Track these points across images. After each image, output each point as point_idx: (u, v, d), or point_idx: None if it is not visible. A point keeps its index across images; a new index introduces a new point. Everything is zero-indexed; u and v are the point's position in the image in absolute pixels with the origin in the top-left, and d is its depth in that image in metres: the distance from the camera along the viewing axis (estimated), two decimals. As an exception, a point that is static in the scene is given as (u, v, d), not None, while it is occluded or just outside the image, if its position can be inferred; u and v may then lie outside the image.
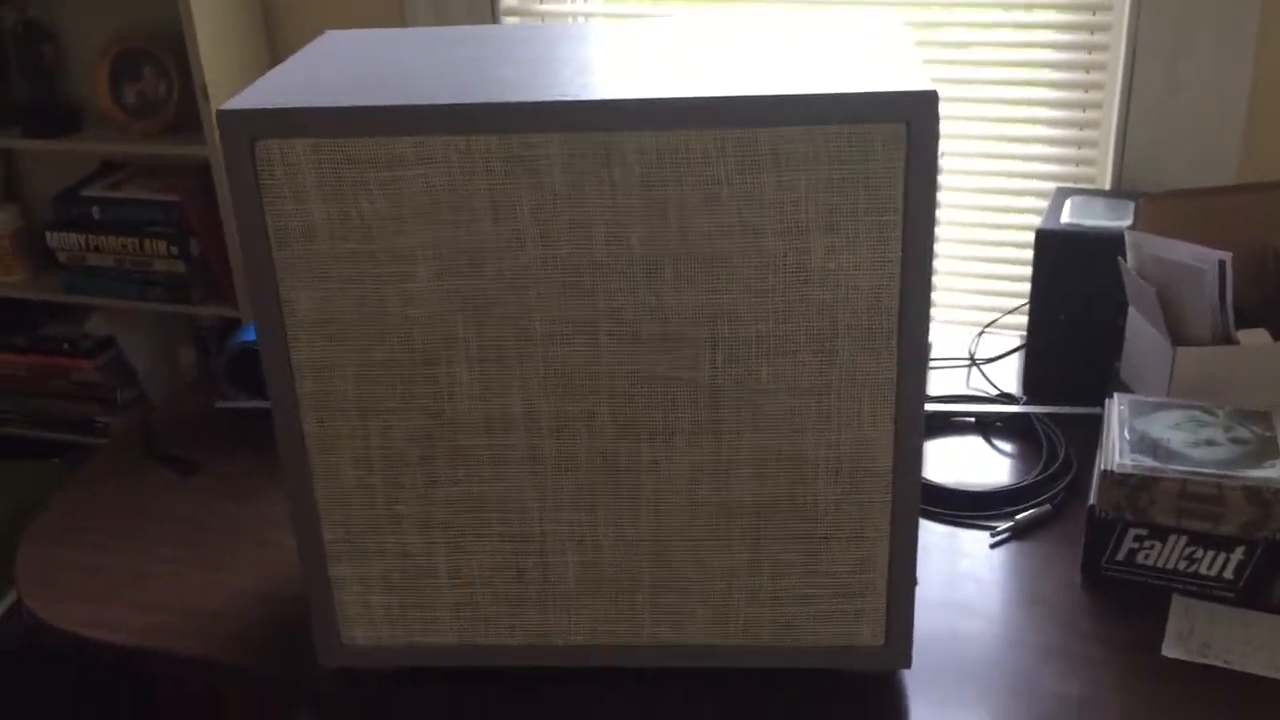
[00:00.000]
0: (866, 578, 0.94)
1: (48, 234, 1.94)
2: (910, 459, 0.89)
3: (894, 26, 0.98)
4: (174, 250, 1.88)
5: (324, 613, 0.98)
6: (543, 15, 1.79)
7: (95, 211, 1.91)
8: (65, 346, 2.04)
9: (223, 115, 0.82)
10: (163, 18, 1.86)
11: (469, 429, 0.90)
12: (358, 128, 0.81)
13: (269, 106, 0.81)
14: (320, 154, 0.82)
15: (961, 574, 1.12)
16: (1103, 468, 1.06)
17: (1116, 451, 1.07)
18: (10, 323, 2.09)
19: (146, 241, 1.89)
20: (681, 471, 0.91)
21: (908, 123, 0.79)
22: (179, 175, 1.94)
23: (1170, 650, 1.01)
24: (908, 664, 0.97)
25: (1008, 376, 1.48)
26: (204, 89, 1.74)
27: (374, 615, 0.98)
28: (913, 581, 0.94)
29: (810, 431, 0.89)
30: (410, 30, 1.03)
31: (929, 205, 0.81)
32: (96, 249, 1.92)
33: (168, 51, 1.85)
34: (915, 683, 0.99)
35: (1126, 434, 1.09)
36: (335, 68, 0.91)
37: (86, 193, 1.93)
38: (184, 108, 1.86)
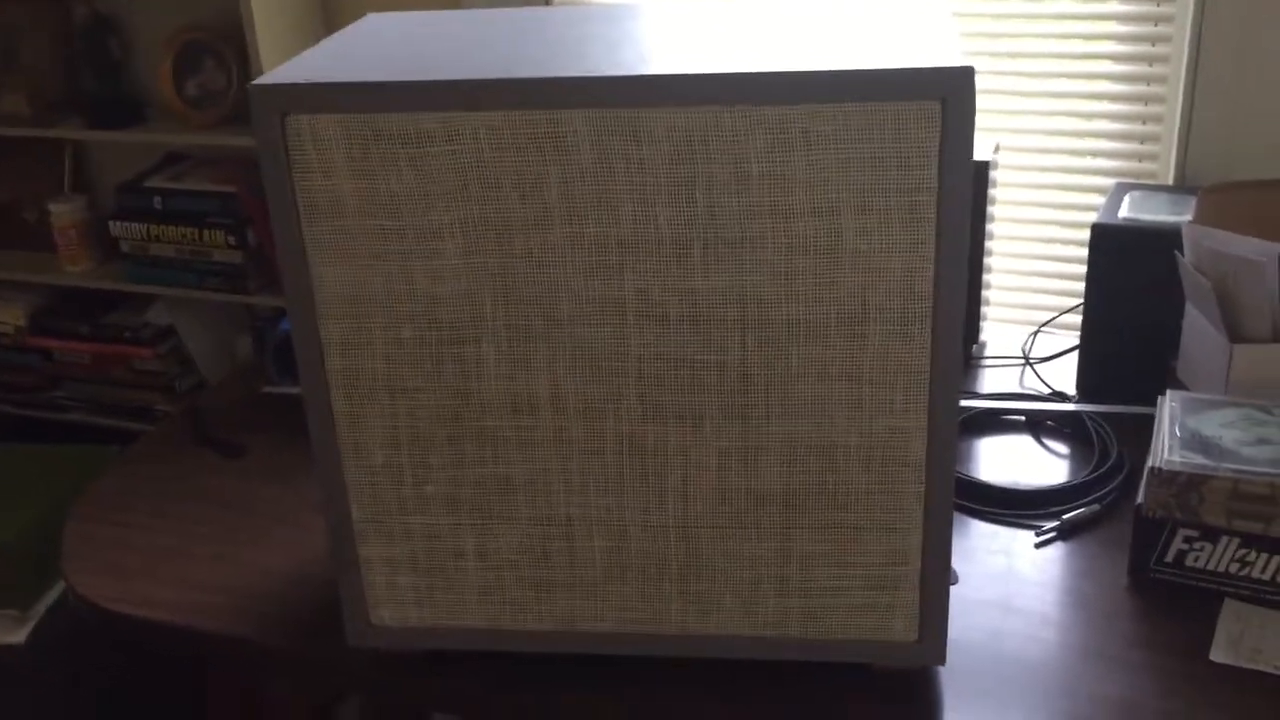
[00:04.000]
0: (899, 570, 0.92)
1: (111, 224, 1.97)
2: (944, 449, 0.87)
3: (933, 4, 0.95)
4: (231, 240, 1.90)
5: (352, 593, 0.98)
6: None
7: (157, 202, 1.95)
8: (127, 335, 2.07)
9: (254, 90, 0.82)
10: (224, 10, 1.89)
11: (496, 410, 0.90)
12: (387, 103, 0.81)
13: (300, 81, 0.82)
14: (350, 129, 0.82)
15: (1005, 573, 1.10)
16: (1151, 465, 1.02)
17: (1166, 449, 1.03)
18: (76, 311, 2.14)
19: (206, 232, 1.92)
20: (709, 456, 0.90)
21: (942, 100, 0.77)
22: (237, 166, 1.97)
23: (1218, 655, 0.97)
24: (942, 660, 0.94)
25: (1065, 377, 1.44)
26: (262, 80, 1.76)
27: (402, 596, 0.98)
28: (947, 575, 0.91)
29: (841, 418, 0.87)
30: (450, 13, 1.03)
31: (964, 185, 0.79)
32: (158, 239, 1.95)
33: (228, 44, 1.88)
34: (951, 680, 0.97)
35: (1178, 431, 1.06)
36: (370, 47, 0.91)
37: (149, 183, 1.96)
38: (243, 99, 1.88)
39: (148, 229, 1.95)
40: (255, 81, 0.82)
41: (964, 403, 1.37)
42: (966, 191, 0.79)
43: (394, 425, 0.91)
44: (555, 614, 0.97)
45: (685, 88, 0.78)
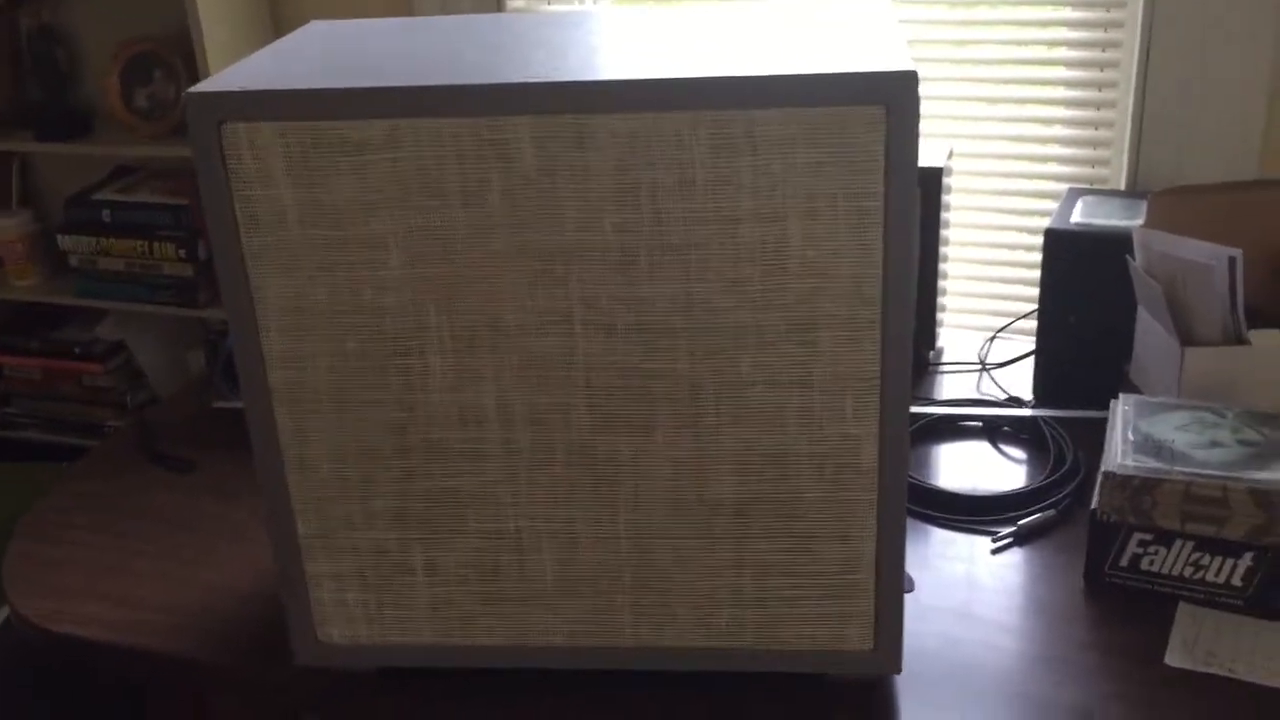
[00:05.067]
0: (853, 579, 0.91)
1: (59, 237, 1.94)
2: (896, 456, 0.86)
3: (878, 8, 0.95)
4: (182, 253, 1.87)
5: (300, 610, 0.96)
6: None
7: (106, 215, 1.91)
8: (76, 350, 2.04)
9: (190, 97, 0.80)
10: (172, 21, 1.86)
11: (442, 421, 0.88)
12: (325, 110, 0.80)
13: (236, 89, 0.80)
14: (288, 138, 0.81)
15: (961, 580, 1.09)
16: (1104, 469, 1.02)
17: (1119, 453, 1.03)
18: (24, 326, 2.10)
19: (156, 245, 1.89)
20: (661, 467, 0.88)
21: (886, 105, 0.76)
22: (188, 178, 1.94)
23: (1173, 659, 0.97)
24: (898, 669, 0.94)
25: (1022, 382, 1.44)
26: (211, 91, 1.74)
27: (351, 613, 0.96)
28: (902, 583, 0.91)
29: (792, 426, 0.86)
30: (394, 20, 1.02)
31: (910, 190, 0.78)
32: (107, 252, 1.92)
33: (177, 55, 1.86)
34: (906, 689, 0.96)
35: (1130, 435, 1.06)
36: (311, 54, 0.89)
37: (97, 196, 1.93)
38: (194, 111, 1.85)
39: (97, 242, 1.92)
40: (191, 89, 0.81)
41: (920, 409, 1.36)
42: (913, 196, 0.79)
43: (339, 439, 0.90)
44: (507, 628, 0.95)
45: (628, 93, 0.77)
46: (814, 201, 0.79)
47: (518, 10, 1.78)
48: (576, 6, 1.78)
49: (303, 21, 1.87)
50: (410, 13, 1.80)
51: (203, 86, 0.81)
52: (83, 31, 1.98)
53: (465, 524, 0.92)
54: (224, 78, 0.83)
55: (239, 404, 1.41)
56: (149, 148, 1.86)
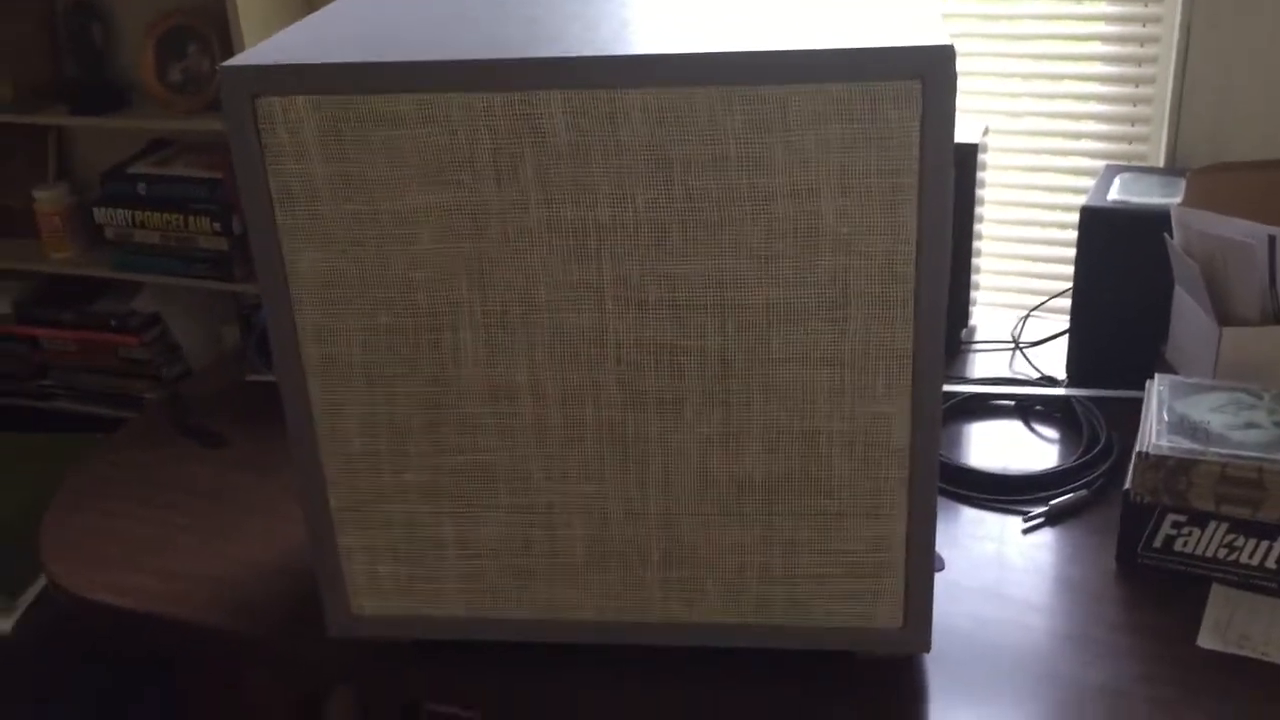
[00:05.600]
0: (883, 557, 0.91)
1: (95, 210, 1.96)
2: (928, 435, 0.86)
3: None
4: (217, 227, 1.89)
5: (333, 583, 0.97)
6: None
7: (141, 188, 1.93)
8: (113, 323, 2.06)
9: (224, 71, 0.81)
10: (207, -5, 1.87)
11: (474, 396, 0.89)
12: (359, 84, 0.80)
13: (270, 63, 0.80)
14: (321, 111, 0.81)
15: (991, 559, 1.09)
16: (1138, 450, 1.01)
17: (1154, 434, 1.02)
18: (61, 299, 2.12)
19: (191, 218, 1.90)
20: (691, 443, 0.88)
21: (922, 79, 0.75)
22: (223, 152, 1.95)
23: (1205, 641, 0.96)
24: (927, 647, 0.93)
25: (1055, 361, 1.43)
26: (246, 65, 1.74)
27: (382, 586, 0.97)
28: (932, 561, 0.90)
29: (823, 404, 0.86)
30: (428, -6, 1.01)
31: (945, 166, 0.78)
32: (143, 225, 1.94)
33: (211, 29, 1.86)
34: (935, 667, 0.96)
35: (1165, 415, 1.05)
36: (346, 27, 0.89)
37: (133, 170, 1.95)
38: (228, 85, 1.86)
39: (132, 215, 1.93)
40: (225, 63, 0.81)
41: (952, 387, 1.36)
42: (948, 173, 0.78)
43: (371, 413, 0.90)
44: (537, 602, 0.96)
45: (660, 68, 0.77)
46: (847, 178, 0.79)
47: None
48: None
49: (336, -4, 1.87)
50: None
51: (236, 61, 0.81)
52: (118, 6, 1.99)
53: (496, 498, 0.92)
54: (258, 52, 0.84)
55: (272, 378, 1.42)
56: (184, 121, 1.87)
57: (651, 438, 0.88)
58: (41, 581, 1.79)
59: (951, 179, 0.78)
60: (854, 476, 0.88)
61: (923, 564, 0.90)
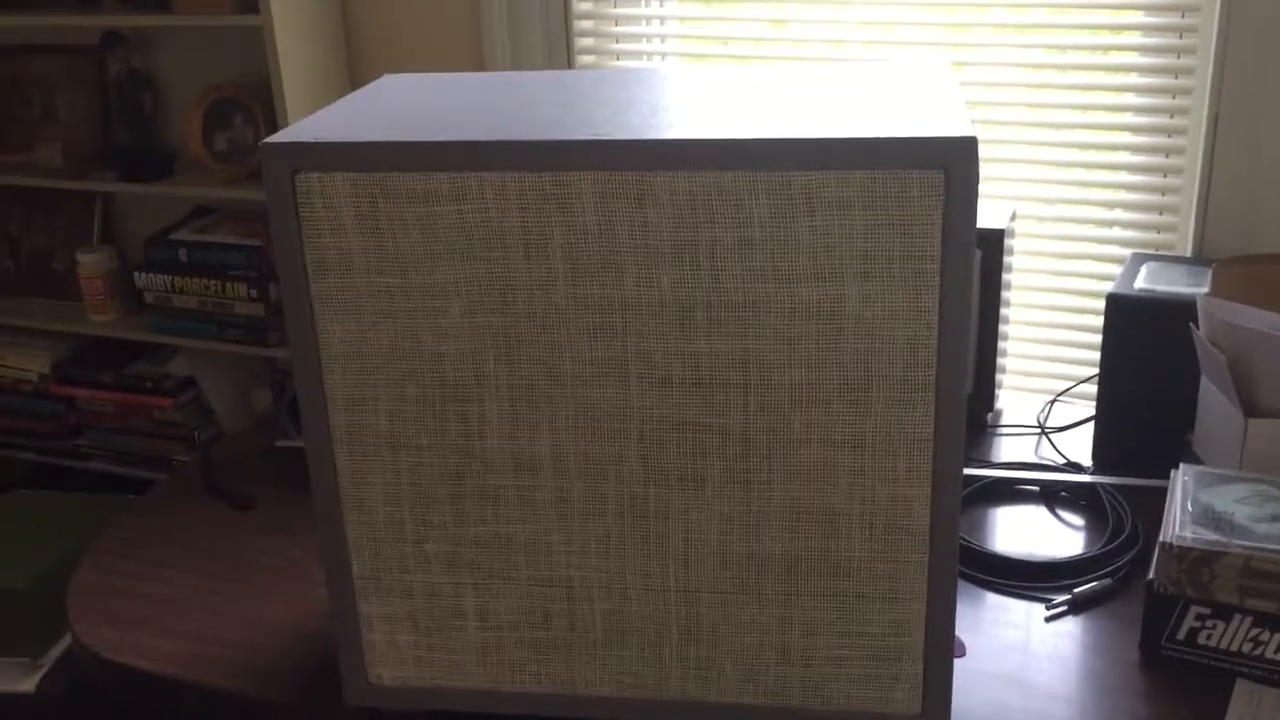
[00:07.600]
0: (902, 641, 0.90)
1: (136, 275, 2.00)
2: (948, 518, 0.86)
3: (939, 71, 0.96)
4: (253, 293, 1.92)
5: (352, 650, 0.98)
6: (617, 55, 1.80)
7: (182, 254, 1.97)
8: (149, 385, 2.09)
9: (265, 148, 0.83)
10: (254, 68, 1.92)
11: (498, 468, 0.90)
12: (395, 162, 0.82)
13: (310, 140, 0.83)
14: (358, 188, 0.83)
15: (1013, 646, 1.08)
16: (1162, 540, 1.01)
17: (1177, 524, 1.02)
18: (101, 360, 2.16)
19: (228, 284, 1.94)
20: (711, 521, 0.89)
21: (945, 169, 0.77)
22: (262, 220, 1.99)
23: (1230, 736, 0.95)
24: (945, 735, 0.93)
25: (1081, 447, 1.43)
26: (288, 137, 1.79)
27: (401, 655, 0.97)
28: (951, 647, 0.90)
29: (843, 485, 0.86)
30: (466, 75, 1.04)
31: (967, 253, 0.79)
32: (181, 291, 1.98)
33: (257, 101, 1.91)
34: (953, 756, 0.95)
35: (1190, 506, 1.04)
36: (383, 106, 0.92)
37: (175, 236, 1.99)
38: (271, 155, 1.90)
39: (171, 280, 1.97)
40: (267, 140, 0.83)
41: (977, 471, 1.35)
42: (969, 259, 0.79)
43: (396, 482, 0.91)
44: (554, 677, 0.96)
45: (689, 153, 0.79)
46: (870, 263, 0.80)
47: (587, 66, 1.81)
48: (644, 63, 1.81)
49: (378, 73, 1.92)
50: (482, 67, 1.84)
51: (278, 137, 0.84)
52: (169, 76, 2.05)
53: (517, 570, 0.93)
54: (299, 129, 0.86)
55: (301, 444, 1.44)
56: (226, 190, 1.92)
57: (672, 514, 0.89)
58: (66, 641, 1.80)
59: (974, 266, 0.79)
60: (873, 558, 0.88)
61: (942, 649, 0.90)
